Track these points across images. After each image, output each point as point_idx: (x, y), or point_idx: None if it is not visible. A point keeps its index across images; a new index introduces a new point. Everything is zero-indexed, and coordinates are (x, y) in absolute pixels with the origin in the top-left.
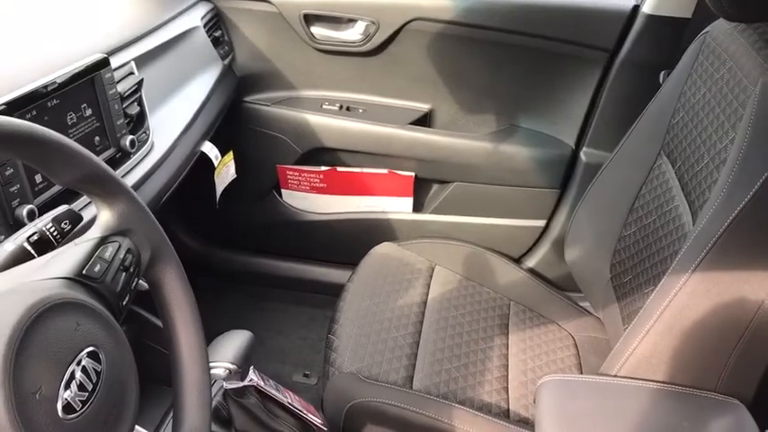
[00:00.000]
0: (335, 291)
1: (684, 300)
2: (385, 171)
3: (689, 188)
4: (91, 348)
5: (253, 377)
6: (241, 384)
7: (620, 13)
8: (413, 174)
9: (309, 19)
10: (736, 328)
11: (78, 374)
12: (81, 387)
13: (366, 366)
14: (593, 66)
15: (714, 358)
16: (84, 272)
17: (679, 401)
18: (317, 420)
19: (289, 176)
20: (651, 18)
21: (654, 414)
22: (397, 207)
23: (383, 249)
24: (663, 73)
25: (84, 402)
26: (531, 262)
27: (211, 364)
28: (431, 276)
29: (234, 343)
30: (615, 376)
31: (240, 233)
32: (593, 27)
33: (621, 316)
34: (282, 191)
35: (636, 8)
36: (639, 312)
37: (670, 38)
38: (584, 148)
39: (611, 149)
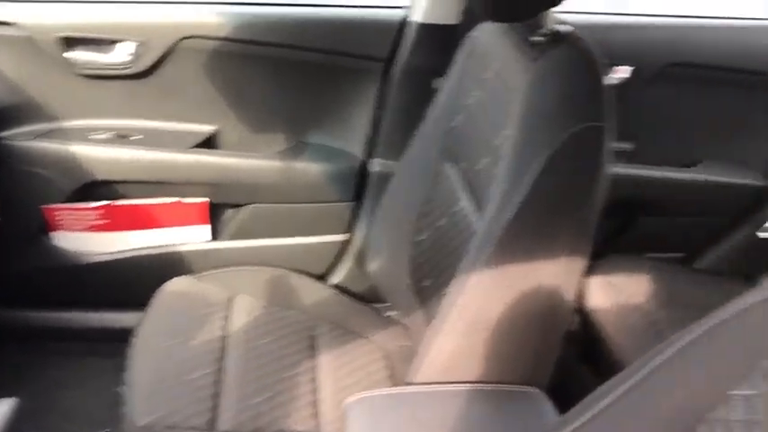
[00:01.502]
0: (127, 336)
1: (479, 297)
2: (173, 200)
3: (473, 187)
4: None
5: None
6: None
7: (391, 23)
8: (206, 199)
9: (67, 42)
10: (533, 319)
11: None
12: None
13: (165, 415)
14: (372, 76)
15: (515, 350)
16: None
17: (482, 400)
18: None
19: (59, 217)
20: (421, 26)
21: (457, 416)
22: (194, 237)
23: (177, 285)
24: (437, 79)
25: None
26: (335, 278)
27: None
28: (231, 307)
29: None
30: (421, 384)
31: (8, 285)
32: (365, 38)
33: (426, 321)
34: (54, 233)
35: (406, 17)
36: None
37: (441, 44)
38: (373, 160)
39: (399, 158)
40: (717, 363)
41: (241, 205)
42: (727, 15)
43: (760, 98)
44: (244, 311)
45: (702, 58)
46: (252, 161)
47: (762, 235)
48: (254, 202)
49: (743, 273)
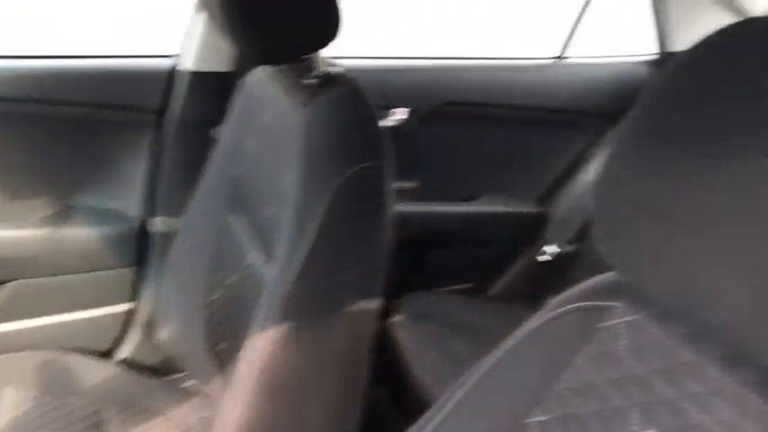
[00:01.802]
0: None
1: (274, 357)
2: None
3: (262, 238)
4: None
5: None
6: None
7: (159, 73)
8: None
9: None
10: (332, 372)
11: None
12: None
13: None
14: (144, 129)
15: (318, 409)
16: None
17: None
18: None
19: None
20: (193, 75)
21: None
22: None
23: None
24: (215, 129)
25: None
26: (122, 353)
27: None
28: None
29: None
30: None
31: None
32: (132, 89)
33: (225, 387)
34: None
35: (175, 66)
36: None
37: (216, 92)
38: (155, 218)
39: (182, 215)
40: (513, 391)
41: (2, 282)
42: (493, 56)
43: (527, 132)
44: (10, 407)
45: (472, 96)
46: (11, 232)
47: (540, 258)
48: (18, 278)
49: (528, 297)
